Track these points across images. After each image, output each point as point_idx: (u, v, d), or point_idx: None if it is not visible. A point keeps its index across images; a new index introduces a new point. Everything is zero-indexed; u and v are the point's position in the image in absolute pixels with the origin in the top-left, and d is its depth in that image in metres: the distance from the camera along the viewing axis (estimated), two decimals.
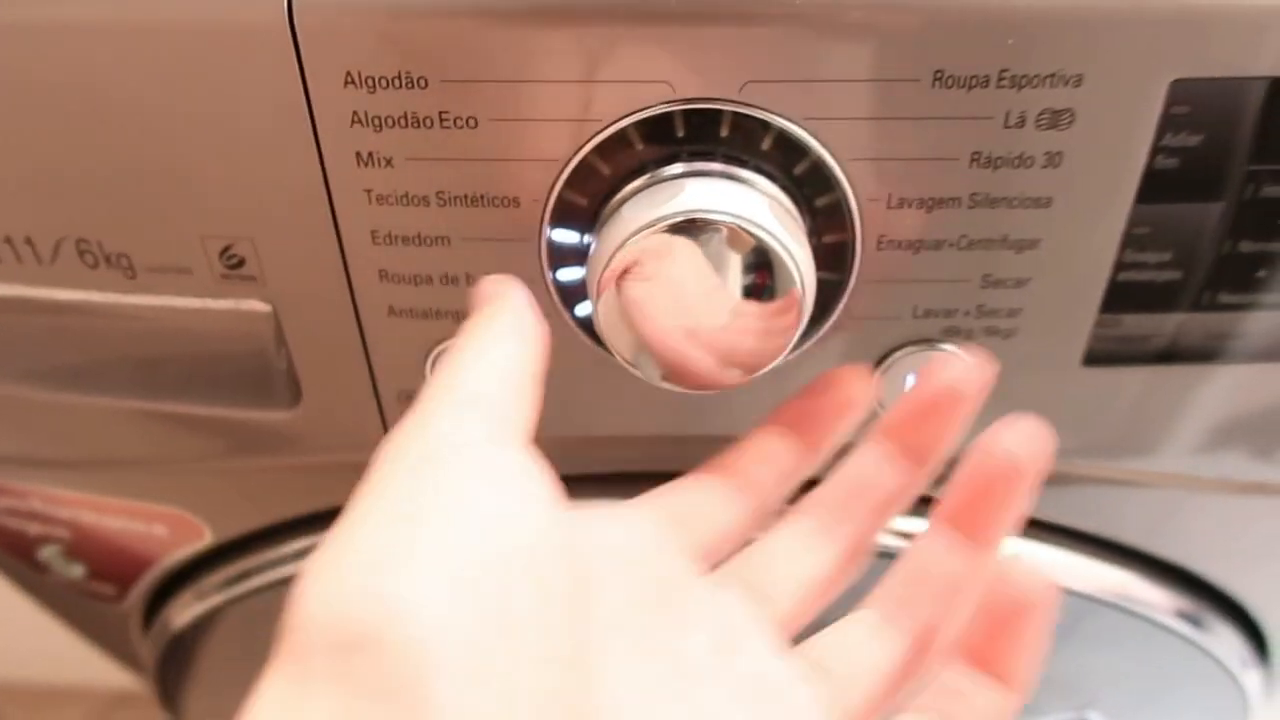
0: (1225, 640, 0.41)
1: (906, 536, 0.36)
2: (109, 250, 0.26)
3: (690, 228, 0.22)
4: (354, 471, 0.31)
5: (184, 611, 0.39)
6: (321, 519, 0.34)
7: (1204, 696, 0.43)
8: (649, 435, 0.30)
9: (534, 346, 0.21)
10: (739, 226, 0.22)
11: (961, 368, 0.24)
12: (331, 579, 0.17)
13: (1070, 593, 0.37)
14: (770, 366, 0.24)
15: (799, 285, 0.23)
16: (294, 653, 0.16)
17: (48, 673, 0.99)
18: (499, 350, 0.21)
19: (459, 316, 0.27)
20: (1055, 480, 0.32)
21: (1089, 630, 0.39)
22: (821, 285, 0.26)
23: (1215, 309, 0.26)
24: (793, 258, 0.22)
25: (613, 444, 0.31)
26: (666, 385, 0.25)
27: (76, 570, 0.40)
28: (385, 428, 0.29)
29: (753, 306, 0.23)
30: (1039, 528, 0.36)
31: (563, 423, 0.29)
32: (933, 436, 0.24)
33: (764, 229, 0.22)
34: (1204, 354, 0.27)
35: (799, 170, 0.24)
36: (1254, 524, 0.35)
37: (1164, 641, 0.39)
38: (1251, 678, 0.42)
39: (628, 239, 0.22)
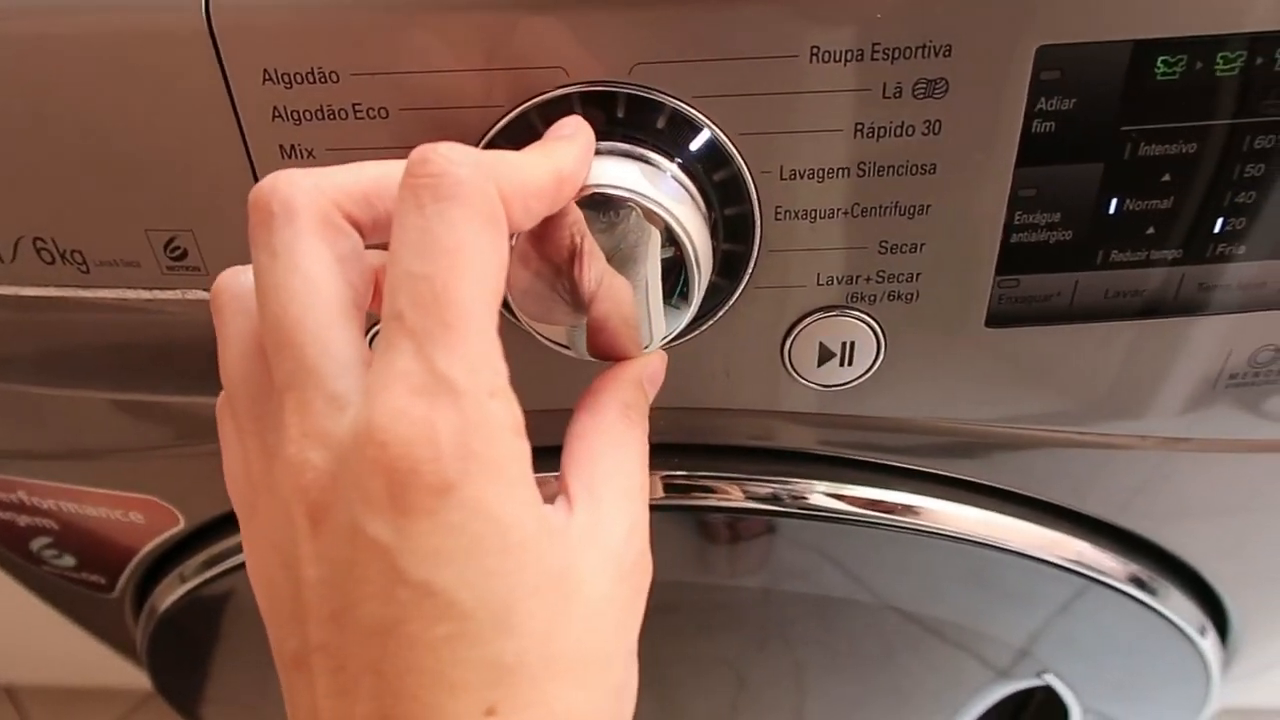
0: (1181, 606, 0.41)
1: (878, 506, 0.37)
2: (63, 247, 0.28)
3: (587, 204, 0.24)
4: None
5: (168, 594, 0.41)
6: None
7: (1163, 661, 0.44)
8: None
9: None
10: (633, 200, 0.24)
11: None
12: None
13: (1028, 558, 0.38)
14: (674, 335, 0.26)
15: (693, 257, 0.24)
16: None
17: (73, 675, 1.02)
18: None
19: None
20: (988, 443, 0.33)
21: (1046, 596, 0.40)
22: (728, 256, 0.27)
23: (1110, 267, 0.27)
24: (685, 230, 0.24)
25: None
26: (573, 354, 0.26)
27: (68, 561, 0.42)
28: None
29: (650, 278, 0.24)
30: (991, 494, 0.37)
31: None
32: None
33: (657, 203, 0.23)
34: (1105, 312, 0.28)
35: (695, 147, 0.25)
36: (1203, 487, 0.36)
37: (1121, 607, 0.40)
38: (1209, 643, 0.43)
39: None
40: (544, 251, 0.24)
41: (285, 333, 0.19)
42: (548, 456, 0.33)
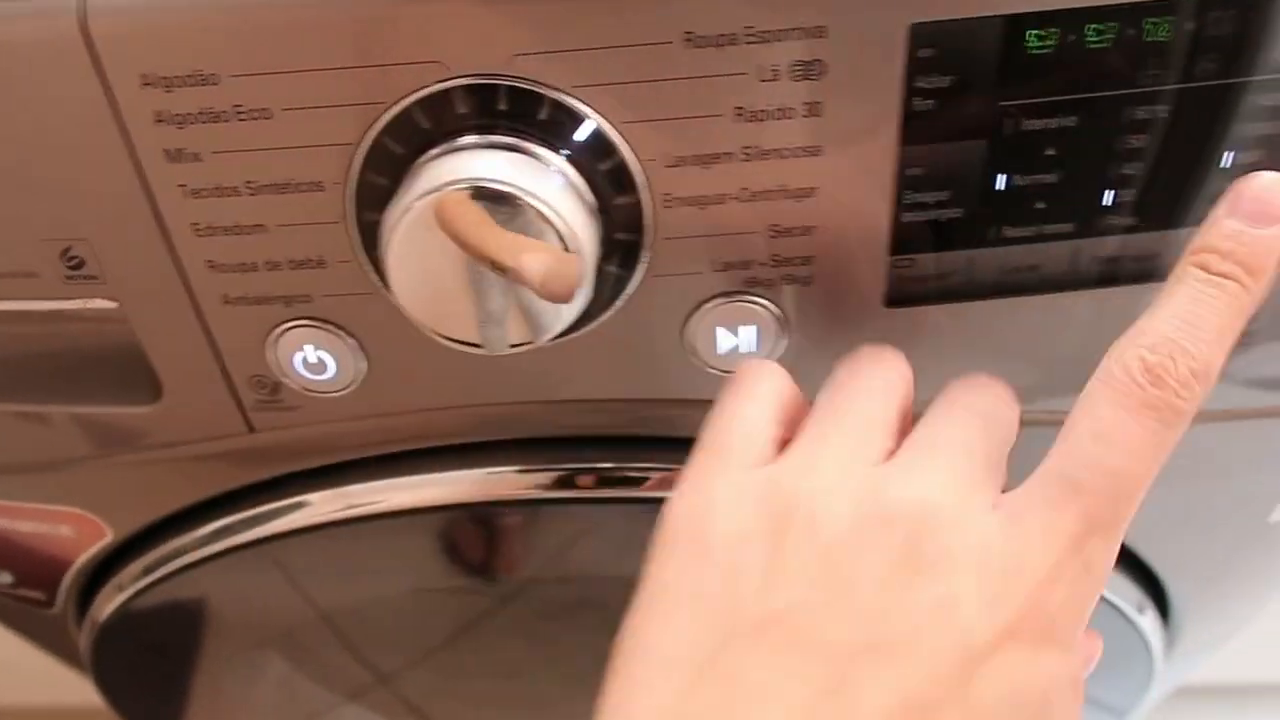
0: (1118, 585, 0.41)
1: None
2: None
3: (466, 197, 0.23)
4: (222, 459, 0.33)
5: (107, 604, 0.41)
6: (213, 506, 0.36)
7: (1104, 641, 0.44)
8: (500, 403, 0.32)
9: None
10: (513, 194, 0.24)
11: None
12: None
13: None
14: (562, 328, 0.26)
15: (575, 248, 0.24)
16: None
17: (54, 695, 1.02)
18: None
19: (289, 300, 0.29)
20: None
21: None
22: (623, 246, 0.27)
23: (1004, 243, 0.27)
24: (566, 223, 0.24)
25: (467, 413, 0.32)
26: (466, 349, 0.26)
27: (5, 578, 0.42)
28: (242, 412, 0.31)
29: (548, 250, 0.24)
30: None
31: (415, 398, 0.31)
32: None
33: (535, 195, 0.24)
34: (1004, 288, 0.28)
35: (579, 137, 0.25)
36: None
37: None
38: (1149, 621, 0.43)
39: (401, 214, 0.23)
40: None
41: None
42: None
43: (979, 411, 0.24)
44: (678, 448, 0.37)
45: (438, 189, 0.23)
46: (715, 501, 0.22)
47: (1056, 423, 0.31)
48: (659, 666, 0.21)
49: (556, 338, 0.28)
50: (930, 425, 0.23)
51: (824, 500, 0.21)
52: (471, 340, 0.27)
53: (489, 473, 0.36)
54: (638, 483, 0.36)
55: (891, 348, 0.25)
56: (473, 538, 0.41)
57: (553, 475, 0.36)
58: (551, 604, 0.46)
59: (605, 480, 0.36)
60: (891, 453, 0.23)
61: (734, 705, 0.20)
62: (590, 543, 0.40)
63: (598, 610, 0.44)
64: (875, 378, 0.24)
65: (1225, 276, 0.22)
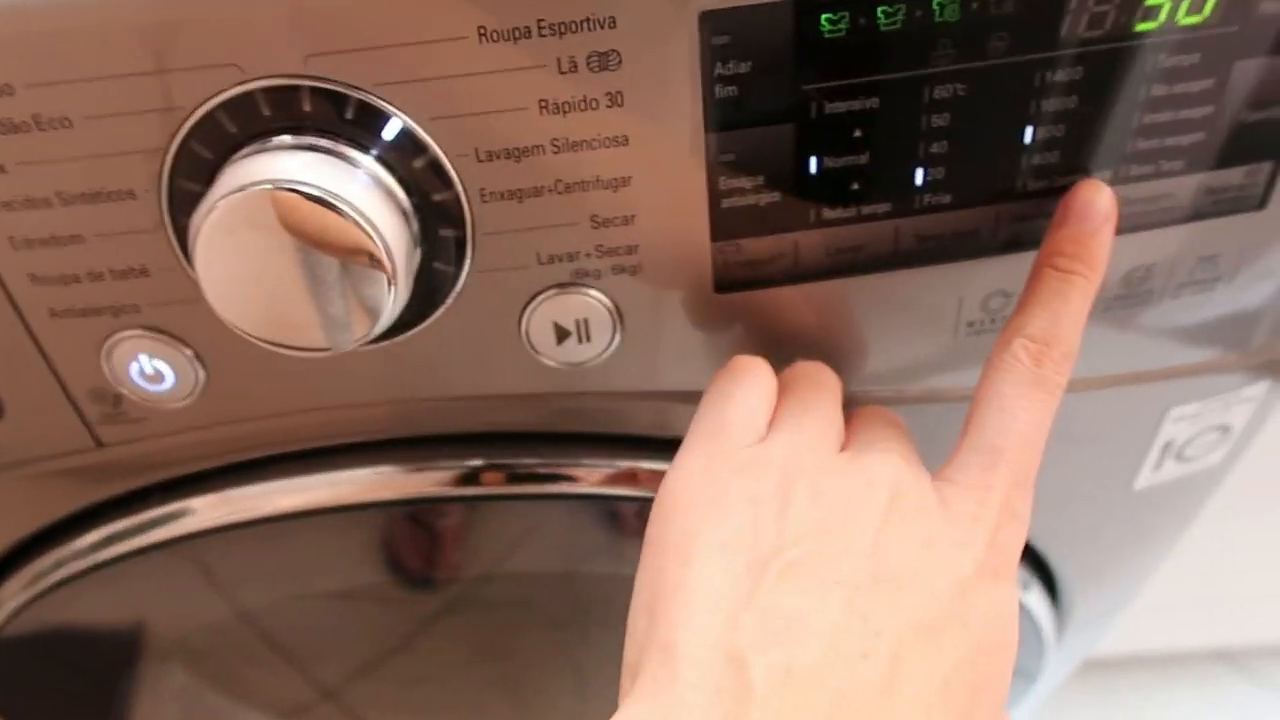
0: None
1: None
2: None
3: (263, 198, 0.23)
4: (76, 475, 0.32)
5: None
6: (92, 516, 0.36)
7: None
8: (350, 405, 0.32)
9: None
10: (319, 197, 0.24)
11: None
12: None
13: None
14: (382, 326, 0.25)
15: (382, 251, 0.24)
16: None
17: None
18: None
19: (117, 311, 0.28)
20: None
21: None
22: (447, 242, 0.27)
23: (825, 225, 0.28)
24: (369, 221, 0.24)
25: (320, 417, 0.32)
26: (300, 354, 0.26)
27: None
28: (88, 427, 0.31)
29: (336, 269, 0.24)
30: None
31: (261, 405, 0.31)
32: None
33: (338, 197, 0.24)
34: (831, 270, 0.29)
35: (387, 136, 0.25)
36: None
37: None
38: (1035, 598, 0.44)
39: (203, 216, 0.23)
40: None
41: None
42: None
43: (893, 421, 0.29)
44: (557, 442, 0.37)
45: (236, 190, 0.23)
46: (726, 471, 0.26)
47: (901, 400, 0.32)
48: (703, 603, 0.23)
49: (393, 336, 0.28)
50: (870, 429, 0.28)
51: (818, 472, 0.26)
52: (299, 344, 0.27)
53: (375, 472, 0.36)
54: (547, 479, 0.36)
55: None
56: (364, 538, 0.41)
57: (449, 474, 0.36)
58: (481, 606, 0.46)
59: (515, 477, 0.36)
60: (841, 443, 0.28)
61: (776, 630, 0.23)
62: (488, 540, 0.40)
63: (522, 608, 0.44)
64: (828, 381, 0.29)
65: (1072, 272, 0.27)
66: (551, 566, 0.38)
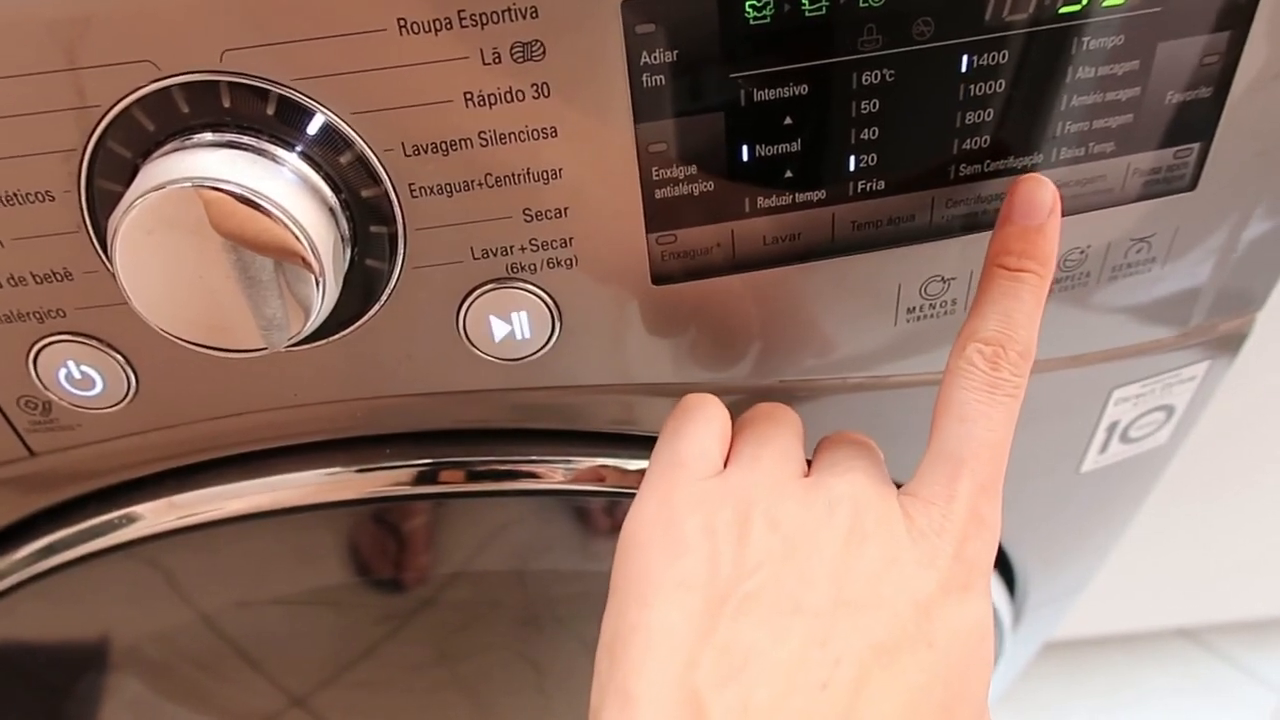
0: None
1: None
2: None
3: (183, 196, 0.23)
4: (9, 485, 0.32)
5: None
6: (33, 525, 0.35)
7: None
8: (287, 407, 0.31)
9: None
10: (237, 193, 0.23)
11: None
12: None
13: None
14: (311, 326, 0.25)
15: (304, 244, 0.24)
16: None
17: None
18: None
19: (41, 316, 0.28)
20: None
21: None
22: (378, 238, 0.27)
23: (761, 214, 0.28)
24: (293, 218, 0.23)
25: (258, 420, 0.31)
26: (230, 355, 0.26)
27: None
28: (18, 435, 0.30)
29: (262, 268, 0.24)
30: None
31: (196, 409, 0.30)
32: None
33: (257, 193, 0.23)
34: (769, 259, 0.28)
35: (310, 131, 0.25)
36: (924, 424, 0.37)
37: None
38: (990, 583, 0.44)
39: (120, 216, 0.23)
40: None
41: None
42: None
43: (859, 440, 0.29)
44: (516, 439, 0.37)
45: (154, 189, 0.23)
46: (682, 505, 0.26)
47: (844, 388, 0.32)
48: (660, 646, 0.23)
49: (328, 335, 0.28)
50: (832, 452, 0.28)
51: (774, 499, 0.26)
52: (230, 345, 0.26)
53: (327, 473, 0.36)
54: (504, 477, 0.35)
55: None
56: (317, 540, 0.41)
57: (401, 474, 0.35)
58: (442, 608, 0.46)
59: (428, 478, 0.36)
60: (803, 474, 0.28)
61: (734, 667, 0.23)
62: (446, 542, 0.40)
63: (484, 608, 0.43)
64: (784, 415, 0.29)
65: (1022, 270, 0.27)
66: (510, 565, 0.37)
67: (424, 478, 0.35)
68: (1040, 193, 0.27)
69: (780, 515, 0.25)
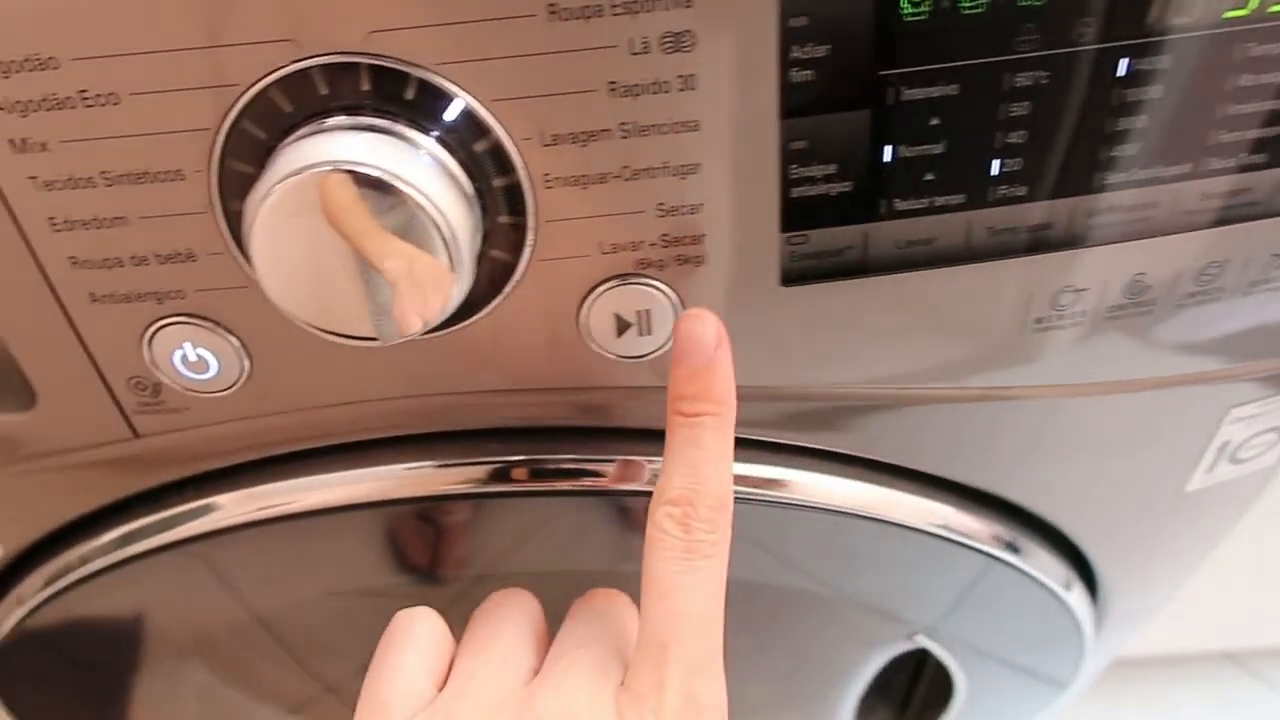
0: (1045, 563, 0.41)
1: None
2: None
3: (348, 182, 0.23)
4: (109, 467, 0.31)
5: (5, 620, 0.39)
6: (102, 516, 0.35)
7: (1034, 618, 0.44)
8: (397, 398, 0.31)
9: None
10: (378, 177, 0.23)
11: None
12: None
13: (887, 524, 0.37)
14: (446, 313, 0.25)
15: (448, 235, 0.23)
16: None
17: None
18: None
19: (161, 297, 0.27)
20: (815, 406, 0.33)
21: (909, 559, 0.40)
22: (506, 229, 0.26)
23: (897, 217, 0.27)
24: (436, 207, 0.23)
25: (365, 410, 0.31)
26: (351, 343, 0.25)
27: None
28: (125, 417, 0.30)
29: (401, 256, 0.23)
30: (843, 460, 0.36)
31: (306, 396, 0.30)
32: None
33: (403, 180, 0.23)
34: (900, 263, 0.28)
35: (449, 117, 0.24)
36: (1032, 436, 0.36)
37: (984, 567, 0.40)
38: (1076, 596, 0.43)
39: (261, 199, 0.22)
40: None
41: None
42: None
43: (600, 614, 0.28)
44: (596, 437, 0.36)
45: (294, 173, 0.22)
46: None
47: (962, 398, 0.31)
48: None
49: (446, 327, 0.27)
50: (563, 641, 0.27)
51: None
52: (356, 333, 0.26)
53: (408, 469, 0.35)
54: (573, 475, 0.35)
55: (518, 588, 0.29)
56: (396, 535, 0.40)
57: (485, 470, 0.35)
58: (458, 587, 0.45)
59: (543, 474, 0.35)
60: (536, 669, 0.26)
61: None
62: (515, 538, 0.39)
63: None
64: (510, 609, 0.27)
65: (700, 414, 0.26)
66: (558, 565, 0.37)
67: (502, 475, 0.35)
68: (702, 329, 0.25)
69: None
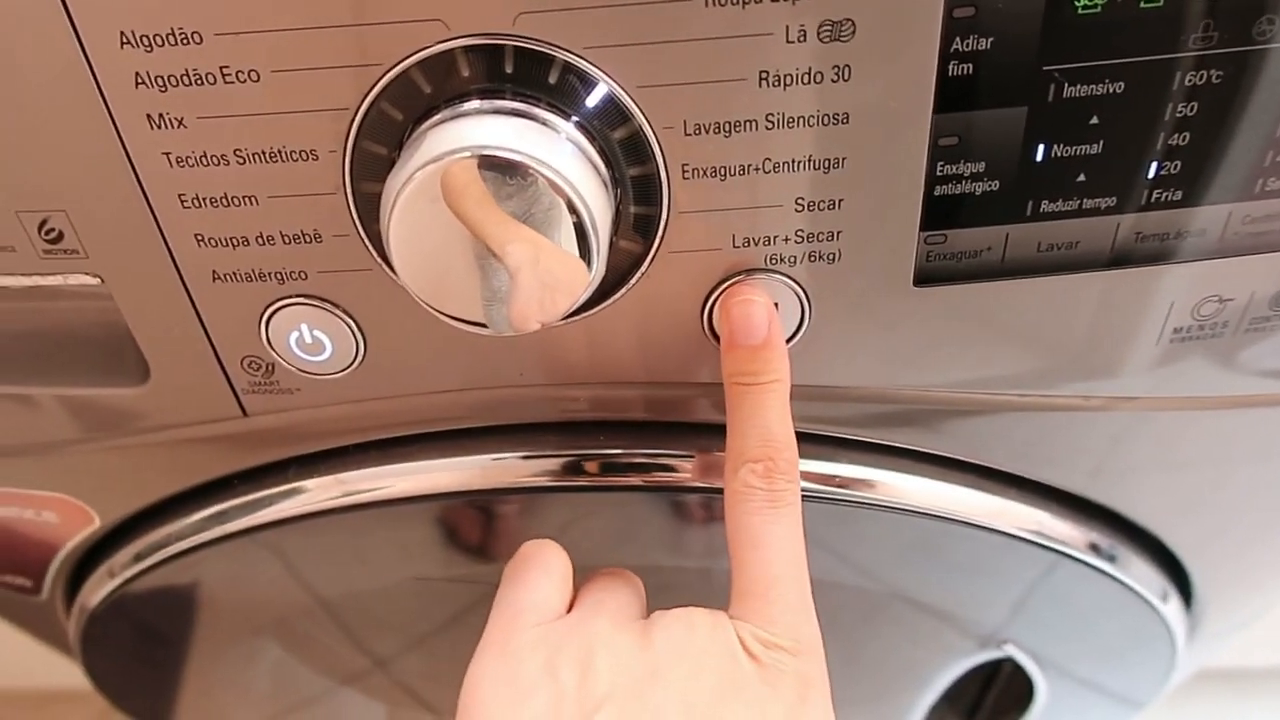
0: (1142, 572, 0.40)
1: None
2: None
3: (484, 167, 0.22)
4: (214, 444, 0.31)
5: (97, 590, 0.39)
6: (203, 492, 0.35)
7: (1126, 628, 0.43)
8: (506, 386, 0.30)
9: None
10: (524, 163, 0.22)
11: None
12: None
13: (983, 529, 0.37)
14: (569, 310, 0.24)
15: (588, 222, 0.23)
16: None
17: (47, 677, 1.01)
18: None
19: (283, 277, 0.27)
20: (927, 410, 0.32)
21: (1004, 566, 0.39)
22: (637, 220, 0.26)
23: (1041, 219, 0.26)
24: (579, 194, 0.22)
25: (471, 397, 0.31)
26: (471, 329, 0.25)
27: None
28: (235, 395, 0.29)
29: (539, 244, 0.23)
30: (941, 463, 0.36)
31: (416, 381, 0.30)
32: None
33: (547, 165, 0.22)
34: (1039, 267, 0.27)
35: (591, 103, 0.23)
36: (1151, 448, 0.34)
37: (1080, 575, 0.39)
38: (1172, 608, 0.42)
39: (402, 185, 0.22)
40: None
41: None
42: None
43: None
44: (690, 433, 0.36)
45: (439, 158, 0.22)
46: (523, 649, 0.26)
47: (1085, 407, 0.30)
48: None
49: (568, 318, 0.27)
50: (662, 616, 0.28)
51: (616, 636, 0.26)
52: (476, 319, 0.25)
53: (493, 459, 0.35)
54: (648, 470, 0.34)
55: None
56: (477, 526, 0.40)
57: (559, 462, 0.35)
58: None
59: (613, 467, 0.34)
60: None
61: None
62: (598, 529, 0.39)
63: None
64: (629, 578, 0.29)
65: (760, 384, 0.27)
66: (698, 562, 0.36)
67: (608, 468, 0.34)
68: (757, 312, 0.27)
69: (623, 650, 0.25)
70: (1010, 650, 0.42)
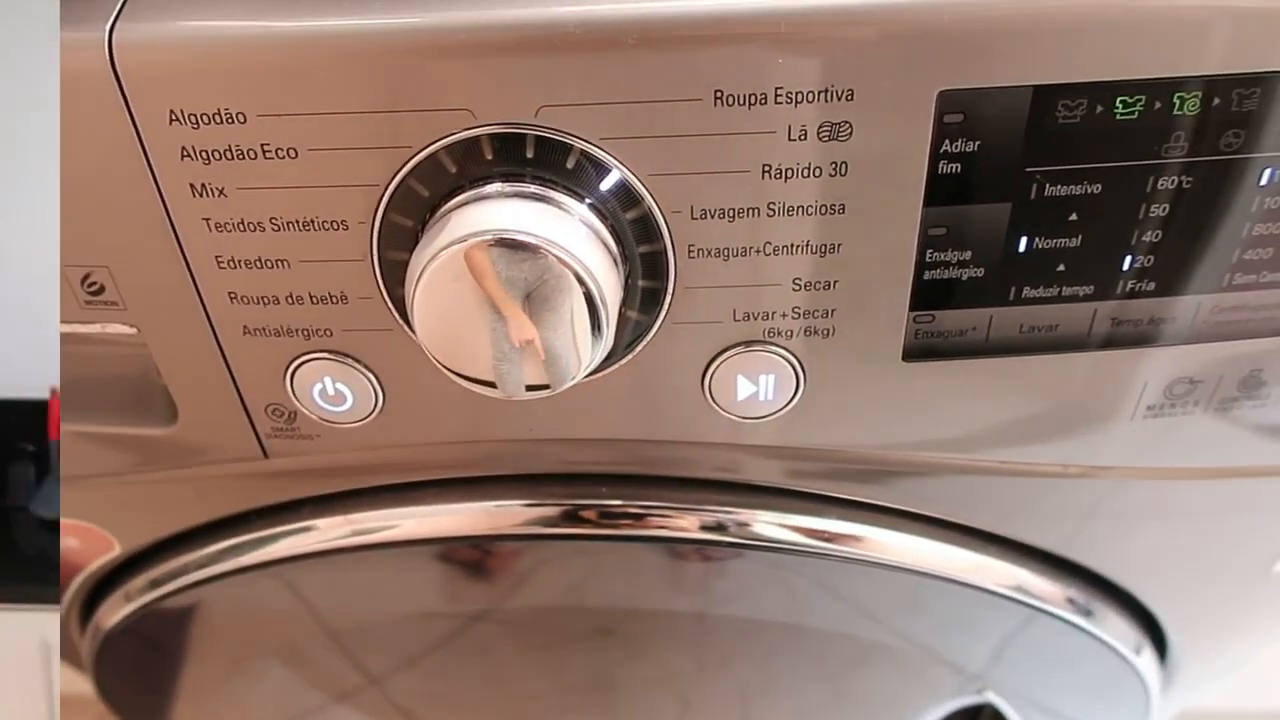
0: (1116, 627, 0.42)
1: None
2: None
3: (488, 245, 0.24)
4: (234, 482, 0.33)
5: (113, 613, 0.41)
6: (221, 525, 0.36)
7: (1101, 680, 0.44)
8: (514, 440, 0.32)
9: None
10: (536, 244, 0.24)
11: None
12: None
13: (965, 585, 0.38)
14: (593, 368, 0.26)
15: (597, 297, 0.24)
16: None
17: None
18: None
19: (309, 334, 0.29)
20: (912, 472, 0.33)
21: (984, 620, 0.40)
22: (644, 293, 0.27)
23: (1023, 303, 0.27)
24: (588, 272, 0.24)
25: (480, 448, 0.32)
26: (483, 390, 0.26)
27: None
28: (258, 439, 0.31)
29: (573, 314, 0.24)
30: (926, 521, 0.37)
31: (429, 432, 0.31)
32: None
33: (559, 245, 0.24)
34: (1020, 346, 0.28)
35: (605, 187, 0.25)
36: (1126, 513, 0.36)
37: (1057, 629, 0.40)
38: (1146, 661, 0.43)
39: (428, 260, 0.24)
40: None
41: None
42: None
43: None
44: (688, 488, 0.37)
45: (464, 239, 0.23)
46: None
47: (1064, 474, 0.32)
48: None
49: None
50: None
51: None
52: (487, 379, 0.27)
53: (497, 505, 0.36)
54: (644, 519, 0.36)
55: None
56: (479, 568, 0.41)
57: (559, 510, 0.36)
58: (542, 618, 0.47)
59: (610, 515, 0.36)
60: None
61: None
62: (596, 573, 0.40)
63: (588, 628, 0.44)
64: None
65: None
66: (690, 606, 0.38)
67: (605, 516, 0.36)
68: None
69: None
70: (990, 697, 0.43)
